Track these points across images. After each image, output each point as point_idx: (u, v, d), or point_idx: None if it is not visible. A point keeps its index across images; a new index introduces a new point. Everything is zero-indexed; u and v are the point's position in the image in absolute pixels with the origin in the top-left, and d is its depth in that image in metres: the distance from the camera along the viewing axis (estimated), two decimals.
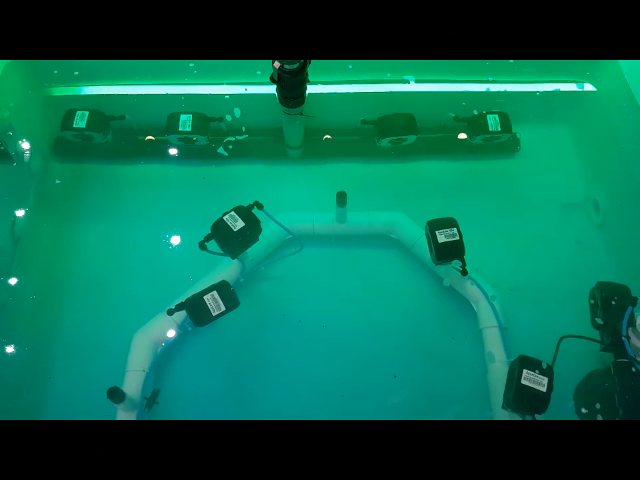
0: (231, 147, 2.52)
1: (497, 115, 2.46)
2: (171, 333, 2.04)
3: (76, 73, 2.44)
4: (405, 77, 2.49)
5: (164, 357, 2.07)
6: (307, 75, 2.02)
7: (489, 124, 2.44)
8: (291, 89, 2.05)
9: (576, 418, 1.84)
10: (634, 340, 1.78)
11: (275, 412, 2.00)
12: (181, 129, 2.38)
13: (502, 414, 1.85)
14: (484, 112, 2.48)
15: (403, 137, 2.45)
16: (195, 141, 2.46)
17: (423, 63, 2.42)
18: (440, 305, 2.24)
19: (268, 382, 2.07)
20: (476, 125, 2.47)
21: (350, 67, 2.43)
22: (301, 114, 2.24)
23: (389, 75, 2.48)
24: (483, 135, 2.47)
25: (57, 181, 2.48)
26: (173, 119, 2.41)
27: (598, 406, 1.78)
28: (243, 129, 2.53)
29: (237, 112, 2.46)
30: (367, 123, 2.49)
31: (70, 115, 2.37)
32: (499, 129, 2.44)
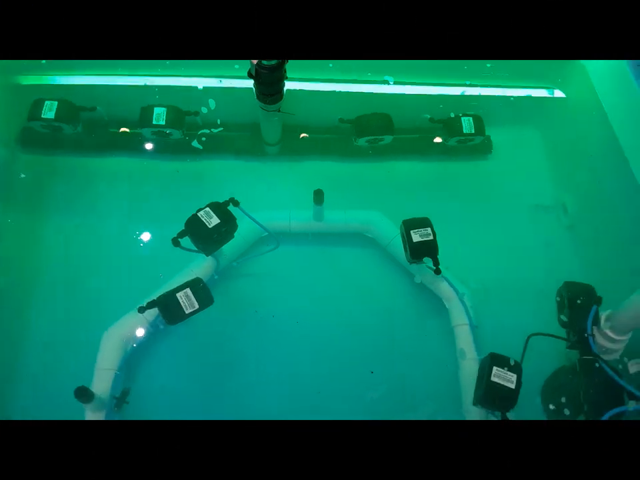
0: (204, 139, 2.48)
1: (471, 118, 2.51)
2: (142, 331, 1.99)
3: (43, 61, 2.35)
4: (385, 78, 2.51)
5: (135, 356, 2.03)
6: (285, 71, 2.01)
7: (464, 126, 2.49)
8: (269, 85, 2.04)
9: (542, 414, 1.89)
10: (598, 338, 1.85)
11: (249, 411, 1.99)
12: (155, 122, 2.33)
13: (472, 410, 1.89)
14: (459, 114, 2.53)
15: (380, 137, 2.47)
16: (169, 134, 2.41)
17: (402, 65, 2.44)
18: (414, 303, 2.27)
19: (242, 381, 2.05)
20: (451, 127, 2.52)
21: (330, 65, 2.43)
22: (279, 111, 2.22)
23: (369, 74, 2.49)
24: (458, 136, 2.51)
25: (22, 175, 2.38)
26: (147, 112, 2.35)
27: (564, 402, 1.84)
28: (218, 121, 2.49)
29: (212, 103, 2.42)
30: (345, 122, 2.50)
31: (38, 105, 2.29)
32: (473, 131, 2.49)
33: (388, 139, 2.49)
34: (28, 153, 2.45)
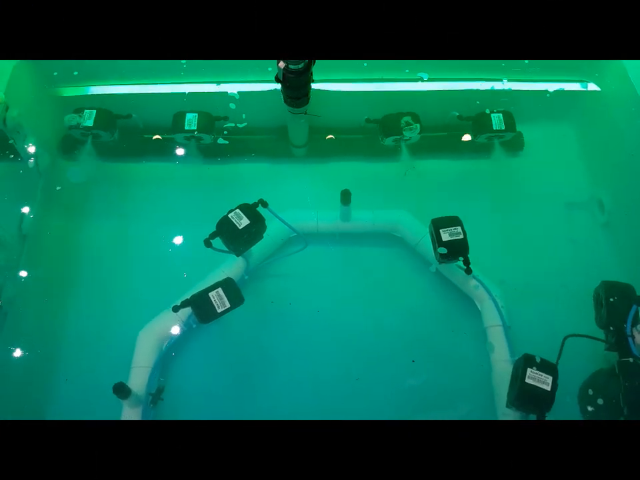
0: (226, 132, 2.51)
1: (500, 114, 2.46)
2: (176, 330, 2.05)
3: (75, 73, 2.46)
4: (419, 74, 2.49)
5: (169, 354, 2.09)
6: (312, 74, 2.03)
7: (493, 123, 2.44)
8: (296, 89, 2.06)
9: (580, 417, 1.84)
10: (639, 339, 1.78)
11: (279, 409, 2.01)
12: (187, 127, 2.40)
13: (506, 412, 1.85)
14: (488, 111, 2.48)
15: (407, 137, 2.45)
16: (200, 139, 2.47)
17: (429, 61, 2.43)
18: (444, 303, 2.24)
19: (272, 379, 2.08)
20: (480, 123, 2.48)
21: (365, 64, 2.43)
22: (305, 113, 2.25)
23: (407, 71, 2.48)
24: (487, 133, 2.47)
25: (58, 187, 2.46)
26: (179, 118, 2.42)
27: (603, 404, 1.77)
28: (244, 116, 2.52)
29: (236, 95, 2.45)
30: (371, 122, 2.50)
31: (77, 113, 2.40)
32: (503, 128, 2.44)
33: (415, 137, 2.46)
34: (68, 160, 2.56)
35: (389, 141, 2.49)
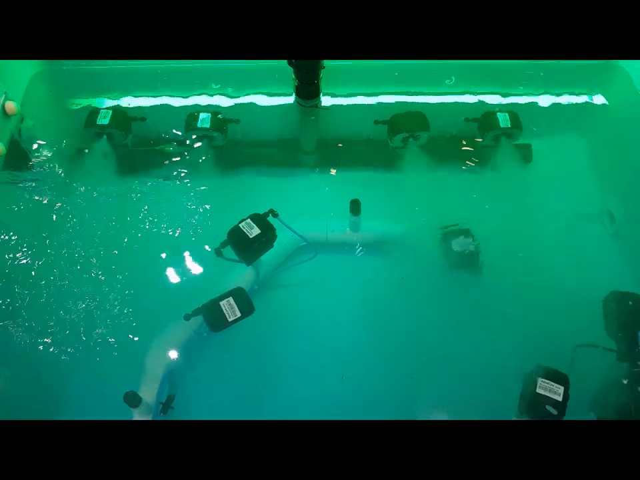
0: (220, 116, 2.55)
1: (506, 113, 2.49)
2: (187, 339, 2.05)
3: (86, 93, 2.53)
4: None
5: (180, 362, 2.09)
6: (323, 62, 2.03)
7: (500, 120, 2.46)
8: (308, 72, 2.05)
9: None
10: None
11: (289, 417, 1.99)
12: (199, 125, 2.44)
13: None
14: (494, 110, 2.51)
15: (416, 134, 2.46)
16: (212, 139, 2.49)
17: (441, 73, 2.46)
18: (455, 312, 2.24)
19: (282, 388, 2.07)
20: (486, 123, 2.49)
21: (396, 74, 2.47)
22: (316, 107, 2.25)
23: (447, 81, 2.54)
24: (494, 131, 2.47)
25: (77, 186, 2.51)
26: (193, 117, 2.47)
27: (614, 414, 1.77)
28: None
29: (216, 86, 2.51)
30: (380, 123, 2.52)
31: (94, 113, 2.47)
32: (510, 125, 2.45)
33: (424, 136, 2.47)
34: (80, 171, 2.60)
35: (397, 141, 2.48)
